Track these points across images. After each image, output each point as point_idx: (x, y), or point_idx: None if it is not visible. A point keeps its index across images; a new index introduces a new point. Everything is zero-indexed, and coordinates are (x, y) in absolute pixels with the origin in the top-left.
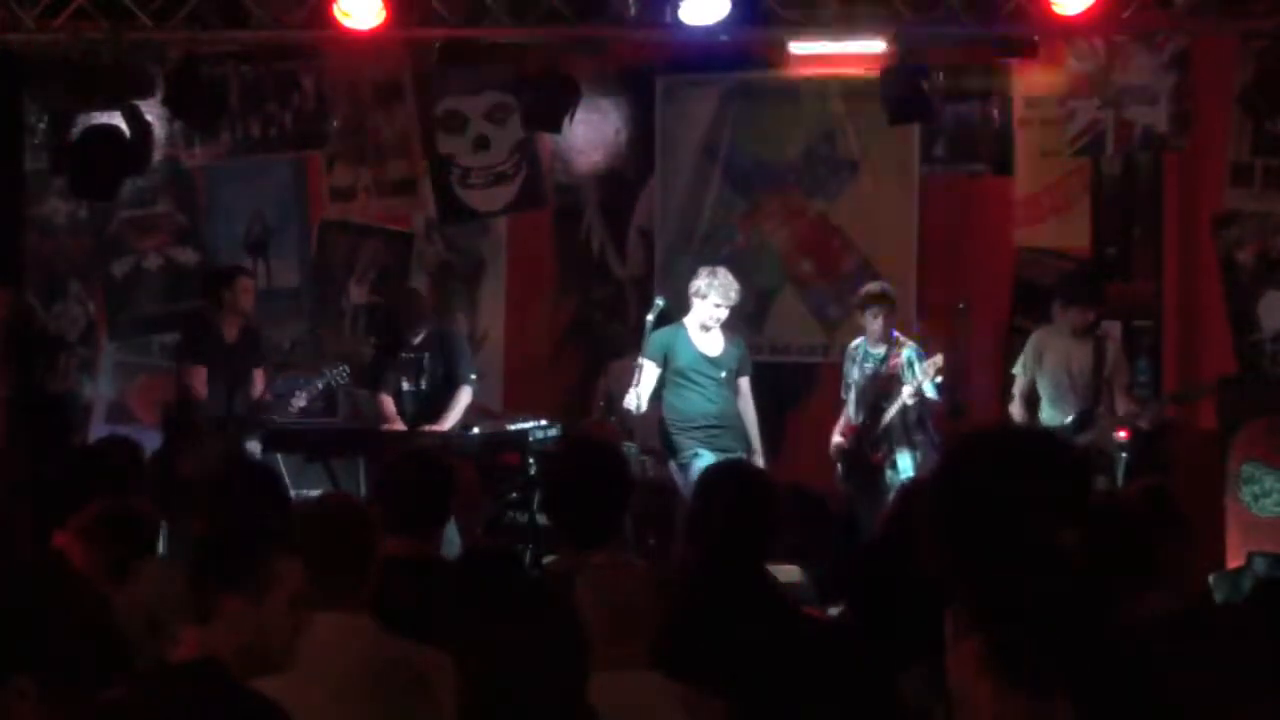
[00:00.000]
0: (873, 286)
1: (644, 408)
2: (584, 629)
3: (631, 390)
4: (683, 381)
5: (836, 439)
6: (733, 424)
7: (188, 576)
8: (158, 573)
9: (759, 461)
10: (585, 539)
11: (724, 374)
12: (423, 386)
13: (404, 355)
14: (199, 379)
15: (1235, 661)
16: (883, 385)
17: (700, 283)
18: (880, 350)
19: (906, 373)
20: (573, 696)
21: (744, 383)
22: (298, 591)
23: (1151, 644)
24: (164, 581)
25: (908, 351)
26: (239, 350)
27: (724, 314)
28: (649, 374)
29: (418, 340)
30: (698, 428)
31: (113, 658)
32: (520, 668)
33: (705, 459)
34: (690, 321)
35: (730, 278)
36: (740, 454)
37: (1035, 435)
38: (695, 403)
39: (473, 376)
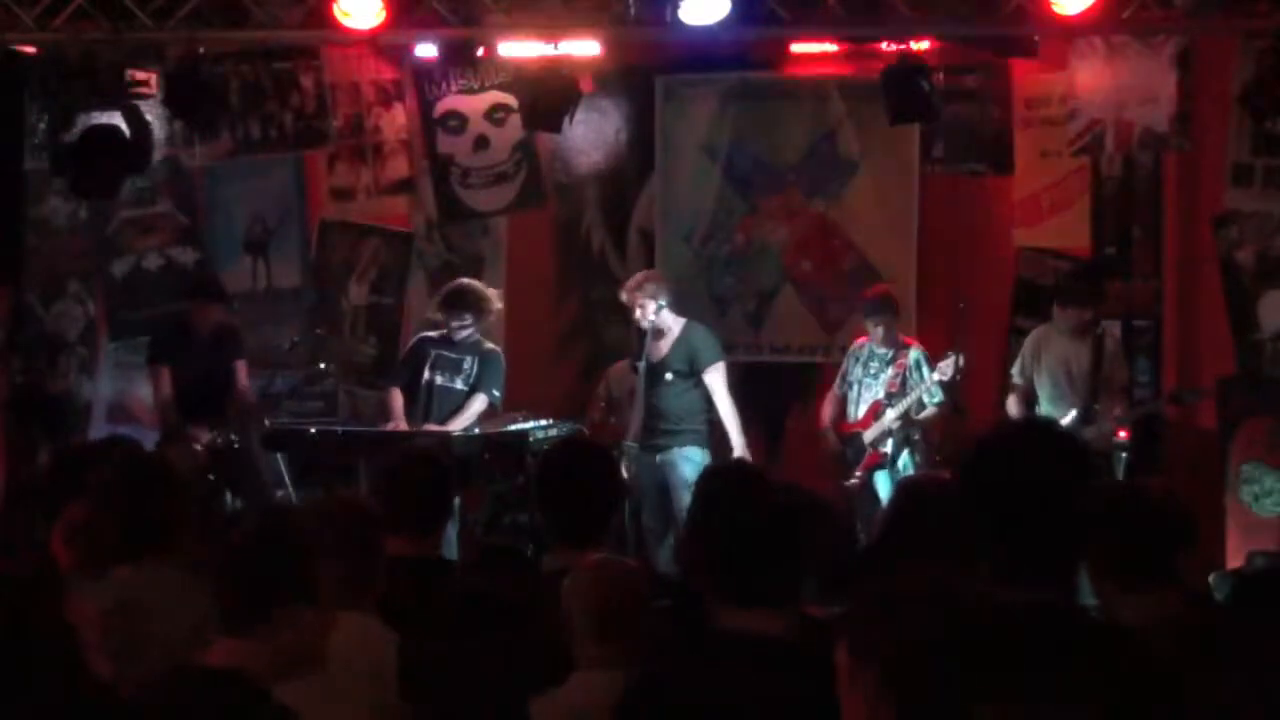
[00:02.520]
0: (873, 295)
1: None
2: (553, 635)
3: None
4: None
5: (831, 432)
6: (683, 424)
7: (221, 589)
8: (131, 578)
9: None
10: (578, 538)
11: (669, 375)
12: (457, 385)
13: (444, 352)
14: (162, 379)
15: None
16: (888, 386)
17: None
18: (887, 351)
19: (914, 375)
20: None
21: (710, 378)
22: (328, 594)
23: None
24: (138, 586)
25: (914, 353)
26: (210, 346)
27: (649, 317)
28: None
29: (459, 338)
30: (646, 429)
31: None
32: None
33: (640, 455)
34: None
35: (649, 280)
36: (696, 449)
37: (1051, 426)
38: (650, 402)
39: (495, 393)
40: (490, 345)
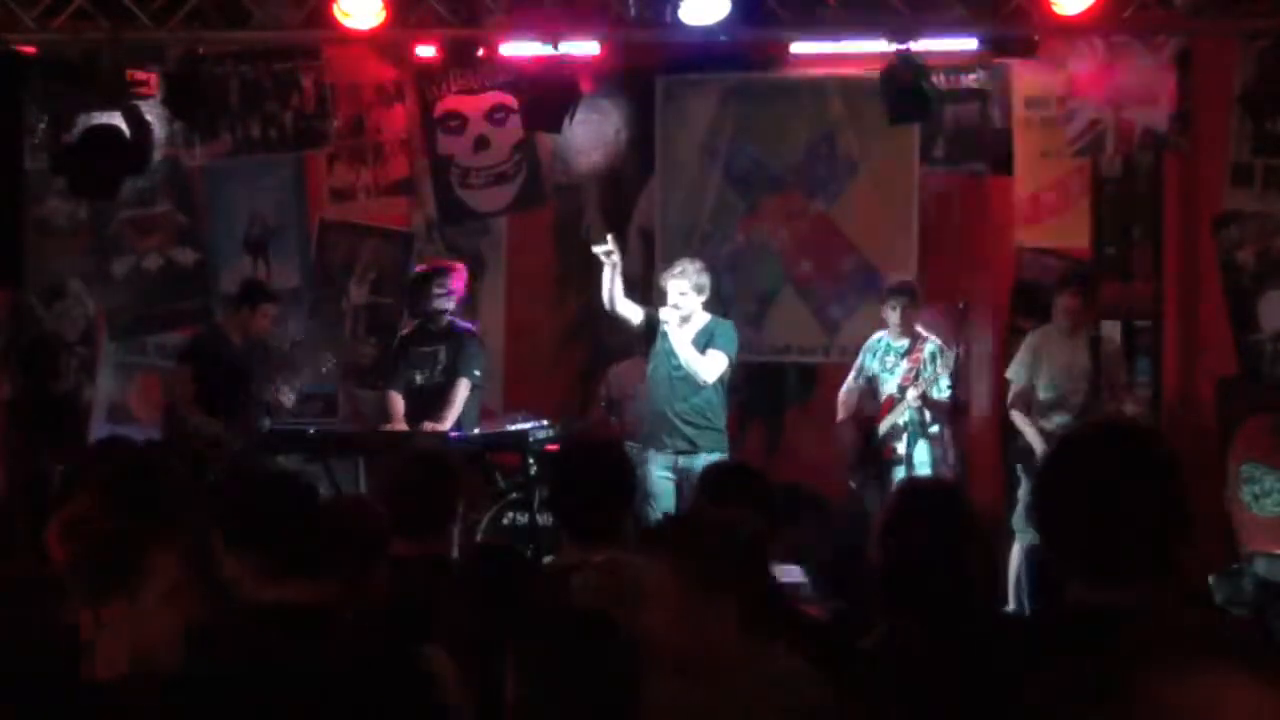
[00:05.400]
0: (894, 279)
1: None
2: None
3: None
4: (652, 373)
5: (850, 425)
6: (704, 422)
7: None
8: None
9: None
10: (588, 537)
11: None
12: (435, 379)
13: (417, 348)
14: (185, 380)
15: None
16: (902, 380)
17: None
18: (903, 343)
19: (928, 369)
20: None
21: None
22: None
23: None
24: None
25: (931, 346)
26: (246, 358)
27: (681, 307)
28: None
29: (443, 307)
30: (656, 428)
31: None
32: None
33: (654, 462)
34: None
35: (689, 268)
36: (718, 454)
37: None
38: (658, 399)
39: (476, 373)
40: (463, 325)
